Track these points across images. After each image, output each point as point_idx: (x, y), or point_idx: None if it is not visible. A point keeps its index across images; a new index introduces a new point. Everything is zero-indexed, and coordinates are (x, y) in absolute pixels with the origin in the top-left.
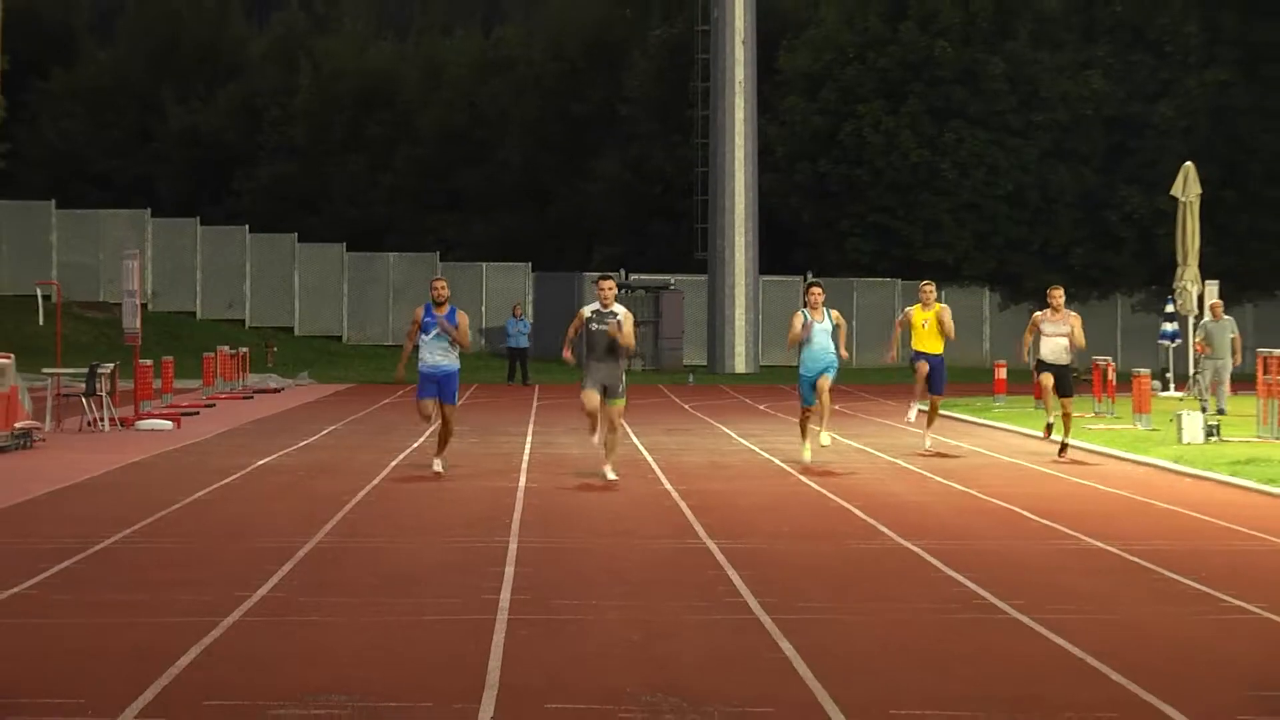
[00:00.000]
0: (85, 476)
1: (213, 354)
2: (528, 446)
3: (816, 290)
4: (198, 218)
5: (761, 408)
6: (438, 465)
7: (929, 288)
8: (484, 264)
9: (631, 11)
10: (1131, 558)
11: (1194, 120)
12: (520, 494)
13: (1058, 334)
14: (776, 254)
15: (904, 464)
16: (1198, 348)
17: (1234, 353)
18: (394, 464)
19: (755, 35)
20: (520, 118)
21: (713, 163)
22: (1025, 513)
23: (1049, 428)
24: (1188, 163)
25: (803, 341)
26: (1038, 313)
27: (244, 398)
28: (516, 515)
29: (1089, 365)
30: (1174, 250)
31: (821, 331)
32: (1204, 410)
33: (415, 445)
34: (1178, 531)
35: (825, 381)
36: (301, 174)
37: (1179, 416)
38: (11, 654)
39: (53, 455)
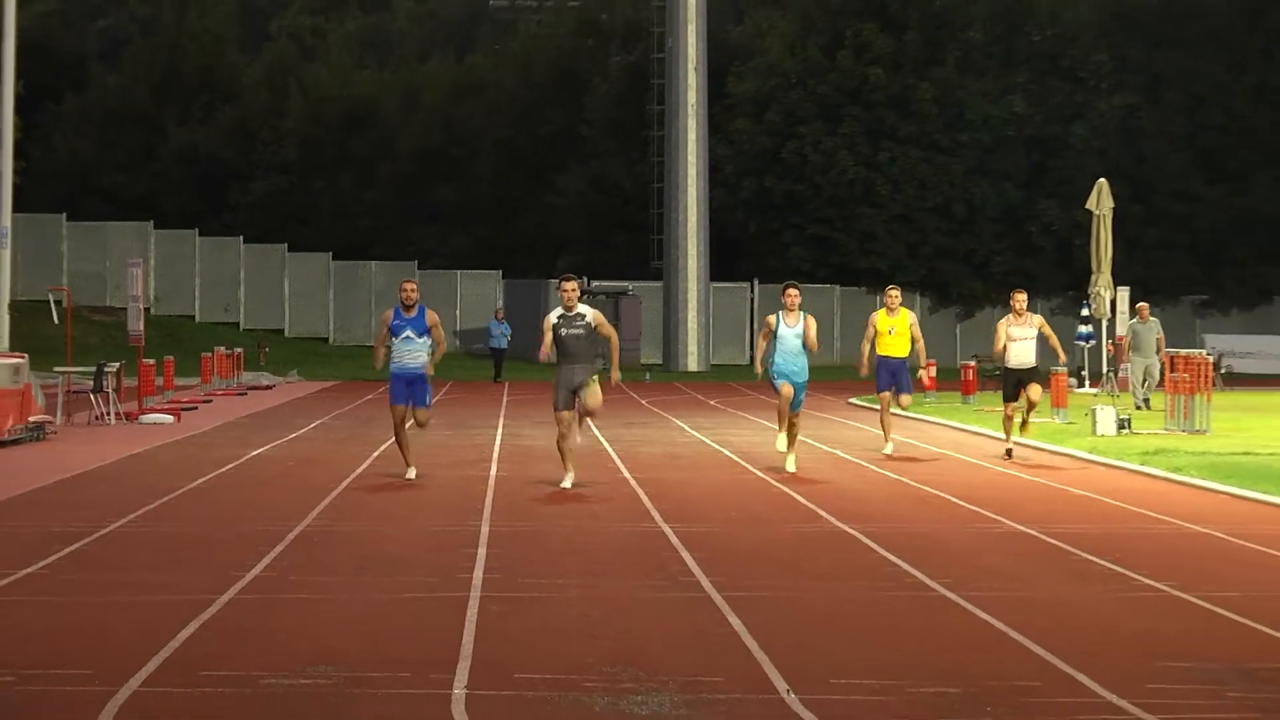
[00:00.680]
0: (93, 466)
1: (210, 354)
2: (498, 439)
3: (793, 292)
4: (196, 229)
5: (712, 403)
6: (411, 474)
7: (895, 293)
8: (458, 272)
9: (593, 41)
10: (1051, 540)
11: (1106, 141)
12: (491, 482)
13: (1025, 337)
14: (725, 262)
15: (842, 455)
16: (1112, 346)
17: (1158, 351)
18: (376, 455)
19: (706, 63)
20: (491, 138)
21: (668, 179)
22: (954, 499)
23: (1009, 453)
24: (1101, 179)
25: (773, 339)
26: (1002, 320)
27: (238, 394)
28: (488, 502)
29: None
30: (1088, 259)
31: (793, 336)
32: (1140, 407)
33: (394, 439)
34: (1092, 516)
35: (795, 417)
36: (291, 189)
37: (1094, 411)
38: (26, 628)
39: (63, 447)
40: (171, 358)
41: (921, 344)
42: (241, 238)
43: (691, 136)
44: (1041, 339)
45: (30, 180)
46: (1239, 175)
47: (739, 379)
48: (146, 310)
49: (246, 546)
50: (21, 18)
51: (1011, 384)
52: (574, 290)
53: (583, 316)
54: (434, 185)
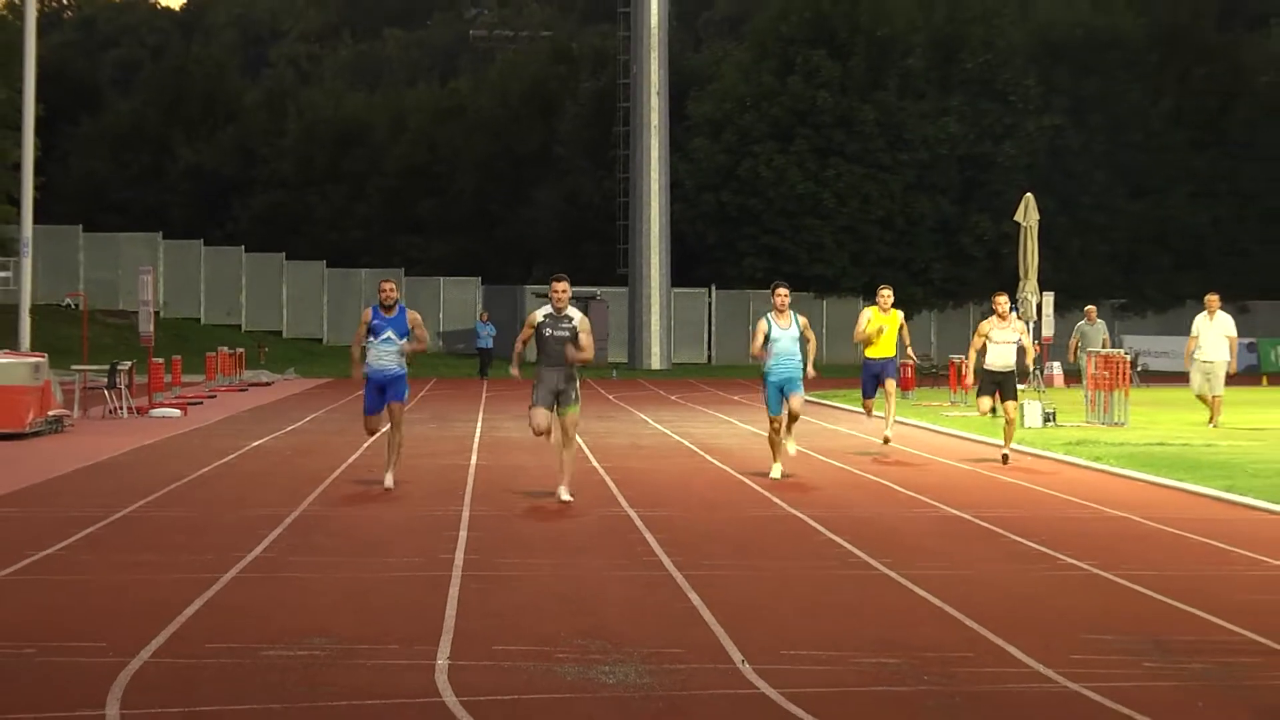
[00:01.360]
0: (107, 456)
1: (214, 353)
2: (478, 431)
3: (783, 291)
4: (201, 239)
5: (673, 399)
6: (388, 481)
7: (887, 292)
8: (441, 278)
9: (565, 68)
10: (982, 523)
11: (1034, 158)
12: (472, 471)
13: (1006, 340)
14: (685, 269)
15: (794, 446)
16: (1039, 346)
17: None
18: (366, 445)
19: (668, 87)
20: (472, 155)
21: (633, 193)
22: (894, 486)
23: (1005, 458)
24: (1028, 194)
25: (767, 343)
26: (984, 322)
27: (240, 390)
28: (469, 489)
29: (946, 362)
30: (1017, 267)
31: (789, 338)
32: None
33: (384, 429)
34: (1021, 501)
35: (797, 401)
36: (289, 203)
37: (1021, 406)
38: (45, 605)
39: (80, 438)
40: (179, 357)
41: (909, 344)
42: (243, 247)
43: (654, 155)
44: (1020, 350)
45: (50, 196)
46: (1156, 190)
47: (698, 376)
48: (155, 313)
49: (247, 530)
50: (41, 47)
51: (989, 384)
52: (565, 292)
53: (570, 320)
54: (419, 199)
